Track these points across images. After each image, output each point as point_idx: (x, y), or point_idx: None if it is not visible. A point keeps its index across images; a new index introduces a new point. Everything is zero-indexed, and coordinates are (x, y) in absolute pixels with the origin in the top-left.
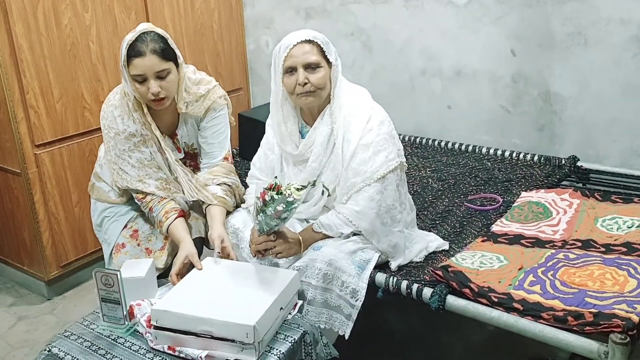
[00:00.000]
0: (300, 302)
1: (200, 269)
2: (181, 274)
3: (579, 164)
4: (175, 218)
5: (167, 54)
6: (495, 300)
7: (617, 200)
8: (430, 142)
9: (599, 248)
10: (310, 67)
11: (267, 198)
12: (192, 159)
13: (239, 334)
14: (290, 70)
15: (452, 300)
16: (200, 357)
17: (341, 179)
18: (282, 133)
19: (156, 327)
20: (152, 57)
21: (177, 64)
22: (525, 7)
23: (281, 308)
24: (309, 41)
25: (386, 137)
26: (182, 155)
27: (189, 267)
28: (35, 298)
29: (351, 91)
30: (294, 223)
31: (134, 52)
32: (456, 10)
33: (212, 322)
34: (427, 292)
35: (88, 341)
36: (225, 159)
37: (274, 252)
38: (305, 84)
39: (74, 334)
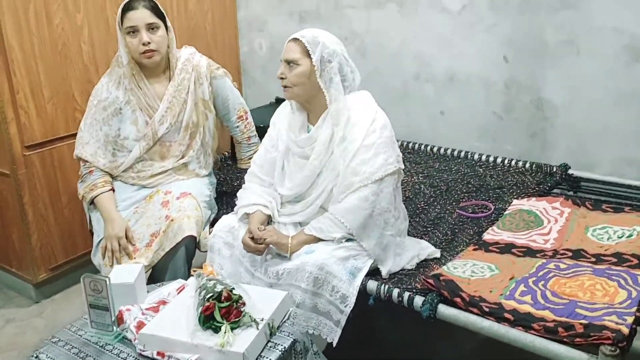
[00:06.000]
0: (290, 310)
1: (131, 247)
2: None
3: (570, 171)
4: (110, 189)
5: (157, 11)
6: (487, 310)
7: (608, 209)
8: (422, 147)
9: (590, 258)
10: (289, 63)
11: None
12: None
13: None
14: (282, 61)
15: (444, 310)
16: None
17: (339, 177)
18: (290, 122)
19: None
20: (144, 10)
21: (166, 26)
22: (519, 15)
23: (271, 333)
24: (295, 39)
25: (387, 141)
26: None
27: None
28: (23, 301)
29: (354, 99)
30: (288, 228)
31: (127, 7)
32: (450, 16)
33: (201, 347)
34: (419, 300)
35: (76, 348)
36: (240, 118)
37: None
38: (282, 78)
39: (62, 340)
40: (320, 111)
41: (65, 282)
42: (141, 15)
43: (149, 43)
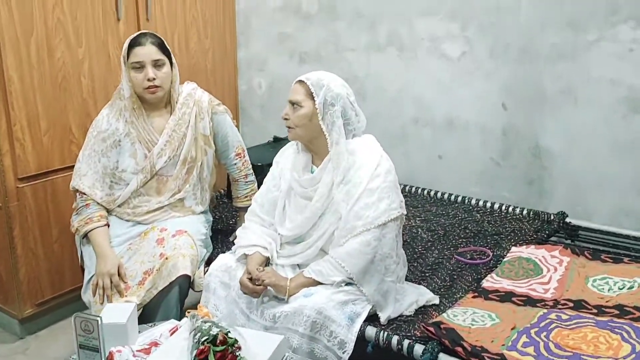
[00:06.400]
0: (286, 355)
1: (123, 285)
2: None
3: (567, 220)
4: (105, 225)
5: (164, 48)
6: None
7: (607, 259)
8: (420, 191)
9: (591, 309)
10: (294, 104)
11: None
12: (170, 168)
13: None
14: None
15: (445, 359)
16: None
17: (342, 221)
18: (294, 162)
19: None
20: (151, 47)
21: (171, 63)
22: (518, 64)
23: None
24: (301, 81)
25: (391, 185)
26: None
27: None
28: (7, 336)
29: (358, 143)
30: (286, 270)
31: (134, 42)
32: (449, 62)
33: None
34: (419, 349)
35: None
36: (237, 155)
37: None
38: (286, 119)
39: None
40: (324, 153)
41: (52, 318)
42: (148, 51)
43: (153, 79)
